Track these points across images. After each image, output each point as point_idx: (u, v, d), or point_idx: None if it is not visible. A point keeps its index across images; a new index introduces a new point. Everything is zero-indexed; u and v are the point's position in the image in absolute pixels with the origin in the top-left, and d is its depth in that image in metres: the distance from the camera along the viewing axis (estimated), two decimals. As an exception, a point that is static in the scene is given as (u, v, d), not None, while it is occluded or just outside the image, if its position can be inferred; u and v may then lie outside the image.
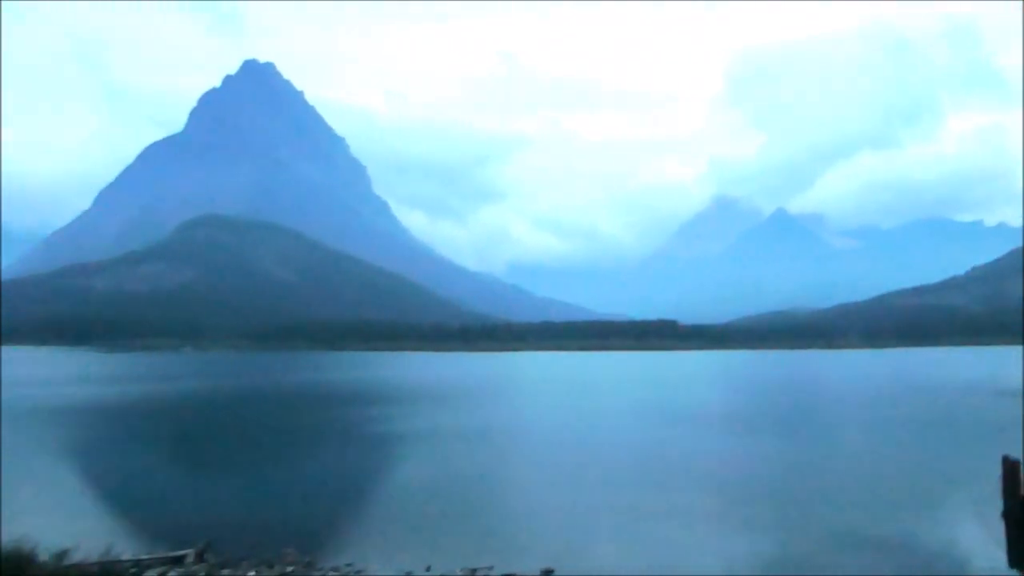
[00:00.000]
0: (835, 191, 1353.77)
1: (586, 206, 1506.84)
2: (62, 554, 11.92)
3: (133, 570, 15.31)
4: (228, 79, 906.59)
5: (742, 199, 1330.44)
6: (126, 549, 17.00)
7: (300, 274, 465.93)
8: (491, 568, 16.57)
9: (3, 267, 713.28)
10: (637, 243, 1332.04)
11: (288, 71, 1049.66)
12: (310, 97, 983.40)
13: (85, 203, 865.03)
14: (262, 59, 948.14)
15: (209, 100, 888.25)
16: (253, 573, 16.08)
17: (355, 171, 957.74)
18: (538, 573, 16.42)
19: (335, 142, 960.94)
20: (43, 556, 11.68)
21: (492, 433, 43.33)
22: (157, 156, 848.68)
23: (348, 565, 16.86)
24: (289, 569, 16.50)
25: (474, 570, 16.43)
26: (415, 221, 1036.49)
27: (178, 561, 16.65)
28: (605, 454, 35.54)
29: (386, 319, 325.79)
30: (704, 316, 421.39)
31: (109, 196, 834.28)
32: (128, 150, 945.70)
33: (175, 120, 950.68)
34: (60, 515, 22.29)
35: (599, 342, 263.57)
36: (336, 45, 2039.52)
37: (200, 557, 17.04)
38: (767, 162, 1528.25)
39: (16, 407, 58.20)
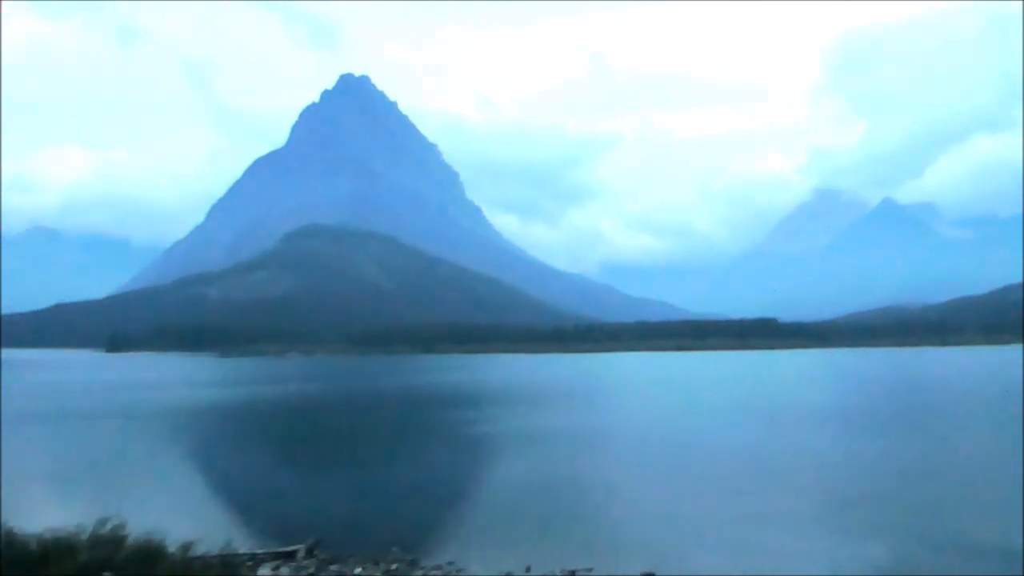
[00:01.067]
0: (947, 178, 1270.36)
1: (679, 204, 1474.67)
2: (187, 546, 12.71)
3: (249, 563, 16.15)
4: (326, 93, 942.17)
5: (845, 190, 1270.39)
6: (243, 543, 17.91)
7: (397, 279, 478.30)
8: (591, 570, 16.52)
9: (128, 279, 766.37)
10: (733, 240, 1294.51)
11: (382, 82, 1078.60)
12: (403, 107, 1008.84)
13: (199, 217, 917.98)
14: (357, 72, 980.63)
15: (309, 114, 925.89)
16: (360, 570, 16.63)
17: (448, 177, 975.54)
18: (638, 576, 16.25)
19: (428, 149, 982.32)
20: (171, 547, 12.50)
21: (589, 434, 43.13)
22: (263, 170, 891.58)
23: (450, 563, 17.18)
24: (394, 566, 16.99)
25: (573, 572, 16.41)
26: (507, 224, 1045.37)
27: (290, 556, 17.43)
28: (706, 455, 34.76)
29: (481, 322, 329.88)
30: (806, 314, 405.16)
31: (220, 210, 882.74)
32: (236, 166, 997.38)
33: (278, 135, 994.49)
34: (183, 509, 23.74)
35: (695, 342, 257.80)
36: (427, 54, 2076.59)
37: (310, 553, 17.79)
38: (871, 150, 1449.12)
39: (141, 409, 62.46)
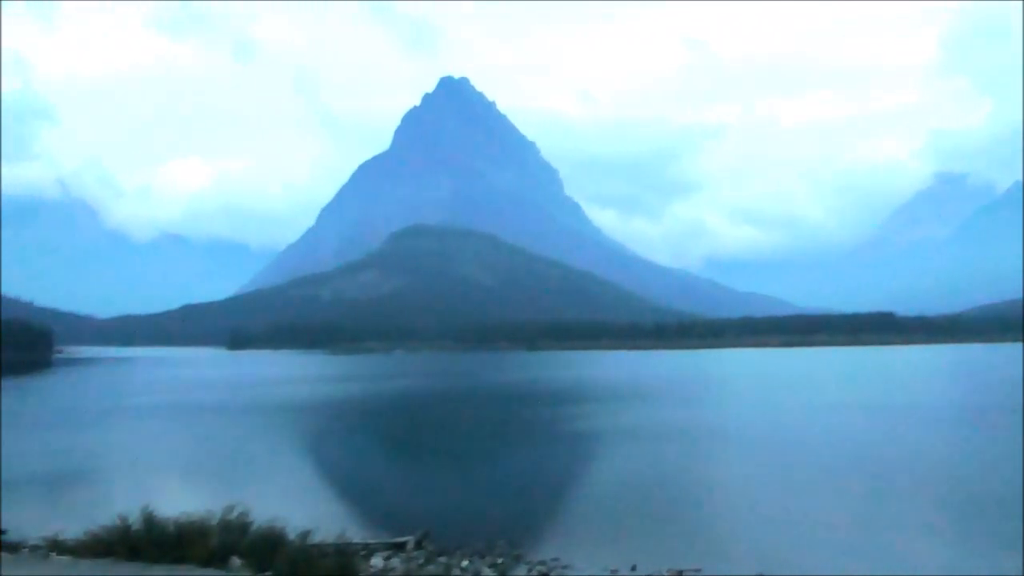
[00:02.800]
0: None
1: (787, 194, 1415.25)
2: (305, 534, 13.38)
3: (363, 552, 16.78)
4: (427, 97, 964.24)
5: (970, 174, 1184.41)
6: (356, 533, 18.62)
7: (498, 277, 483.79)
8: (699, 570, 16.20)
9: (246, 281, 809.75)
10: (845, 230, 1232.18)
11: (480, 83, 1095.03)
12: (502, 107, 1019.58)
13: (310, 221, 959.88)
14: (456, 75, 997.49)
15: (411, 118, 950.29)
16: (466, 563, 16.97)
17: (547, 174, 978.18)
18: (749, 578, 15.81)
19: (527, 148, 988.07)
20: (291, 535, 13.19)
21: (695, 431, 42.25)
22: (368, 174, 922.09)
23: (554, 559, 17.26)
24: (499, 560, 17.24)
25: (681, 571, 16.13)
26: (607, 220, 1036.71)
27: (400, 547, 18.00)
28: (819, 454, 33.35)
29: (582, 318, 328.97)
30: (927, 307, 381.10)
31: (329, 213, 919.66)
32: (343, 171, 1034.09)
33: (382, 139, 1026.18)
34: (300, 499, 24.92)
35: (806, 337, 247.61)
36: (525, 53, 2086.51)
37: (419, 544, 18.30)
38: (998, 131, 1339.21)
39: (260, 404, 66.04)
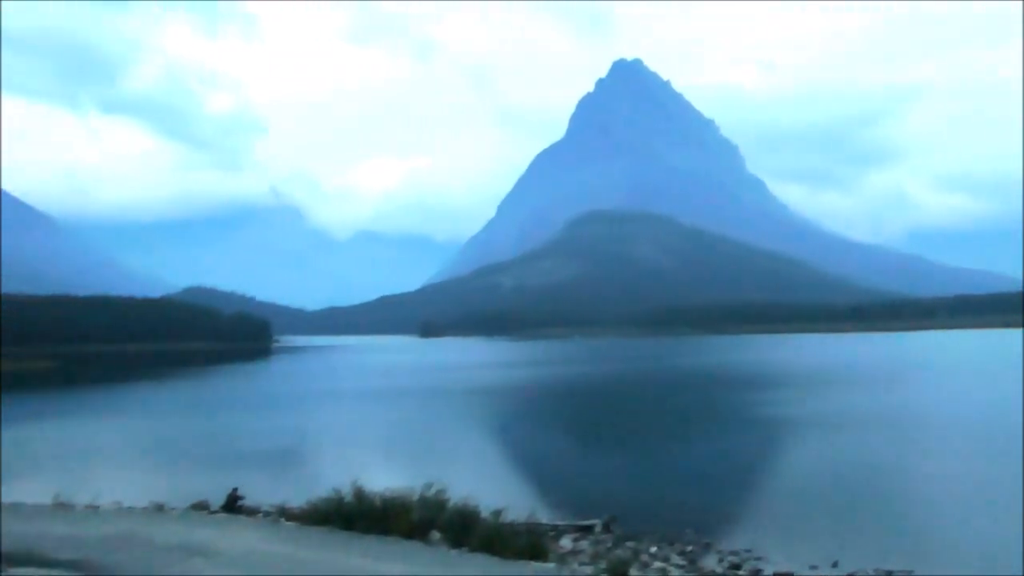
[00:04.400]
0: None
1: (1002, 155, 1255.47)
2: (498, 513, 13.96)
3: (552, 533, 17.24)
4: (600, 82, 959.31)
5: None
6: (544, 514, 19.13)
7: (678, 260, 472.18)
8: (911, 571, 14.95)
9: (434, 272, 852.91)
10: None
11: (654, 63, 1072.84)
12: (677, 85, 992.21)
13: (491, 212, 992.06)
14: (629, 57, 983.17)
15: (585, 104, 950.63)
16: (655, 549, 16.89)
17: (727, 152, 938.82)
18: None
19: (705, 126, 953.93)
20: (484, 513, 13.85)
21: (902, 420, 38.89)
22: (544, 163, 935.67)
23: (747, 551, 16.70)
24: (688, 548, 16.98)
25: (890, 572, 14.98)
26: (794, 195, 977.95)
27: (588, 530, 18.27)
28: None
29: (769, 300, 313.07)
30: None
31: (509, 204, 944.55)
32: (521, 162, 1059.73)
33: (557, 128, 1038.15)
34: (490, 479, 25.99)
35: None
36: (699, 28, 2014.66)
37: (607, 528, 18.47)
38: None
39: (450, 388, 69.53)
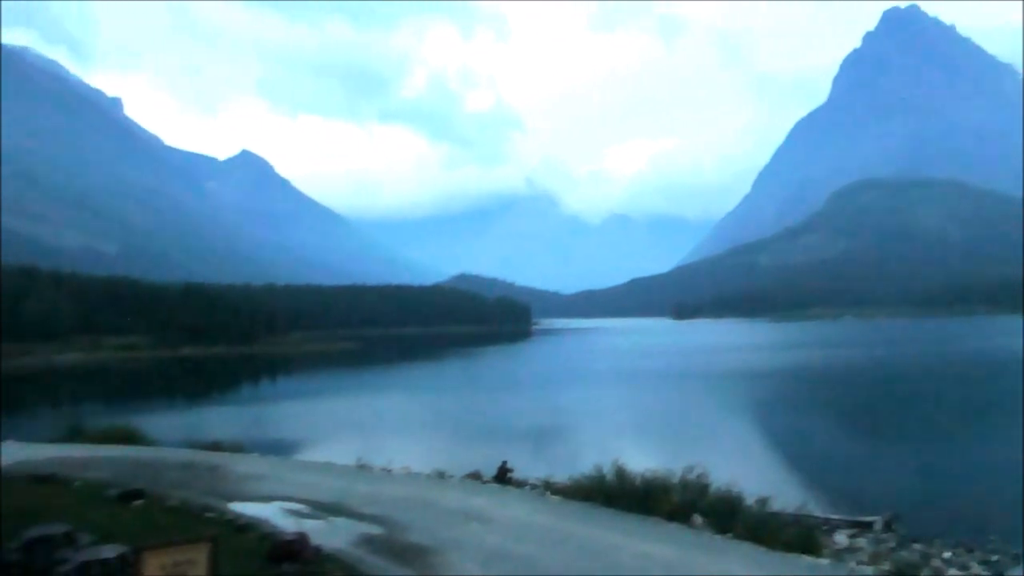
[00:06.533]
0: None
1: None
2: (764, 501, 13.44)
3: (824, 527, 16.17)
4: (868, 36, 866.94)
5: None
6: (815, 506, 17.98)
7: (968, 230, 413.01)
8: None
9: (686, 253, 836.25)
10: None
11: (933, 7, 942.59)
12: (963, 29, 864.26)
13: (746, 188, 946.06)
14: (902, 4, 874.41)
15: (851, 63, 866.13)
16: (949, 554, 15.13)
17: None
18: None
19: (1000, 72, 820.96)
20: (748, 501, 13.40)
21: None
22: (805, 131, 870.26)
23: (1071, 567, 14.30)
24: (994, 558, 14.95)
25: None
26: None
27: (865, 527, 16.85)
28: None
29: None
30: None
31: (766, 178, 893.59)
32: (778, 132, 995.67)
33: (818, 93, 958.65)
34: (750, 465, 24.99)
35: None
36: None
37: (888, 527, 16.91)
38: None
39: (706, 370, 67.86)
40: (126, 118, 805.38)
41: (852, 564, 12.06)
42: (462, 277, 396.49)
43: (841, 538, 15.97)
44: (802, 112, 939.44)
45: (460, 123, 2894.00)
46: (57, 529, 8.00)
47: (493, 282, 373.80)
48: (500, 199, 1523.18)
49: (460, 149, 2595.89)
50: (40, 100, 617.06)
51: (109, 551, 7.37)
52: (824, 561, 11.28)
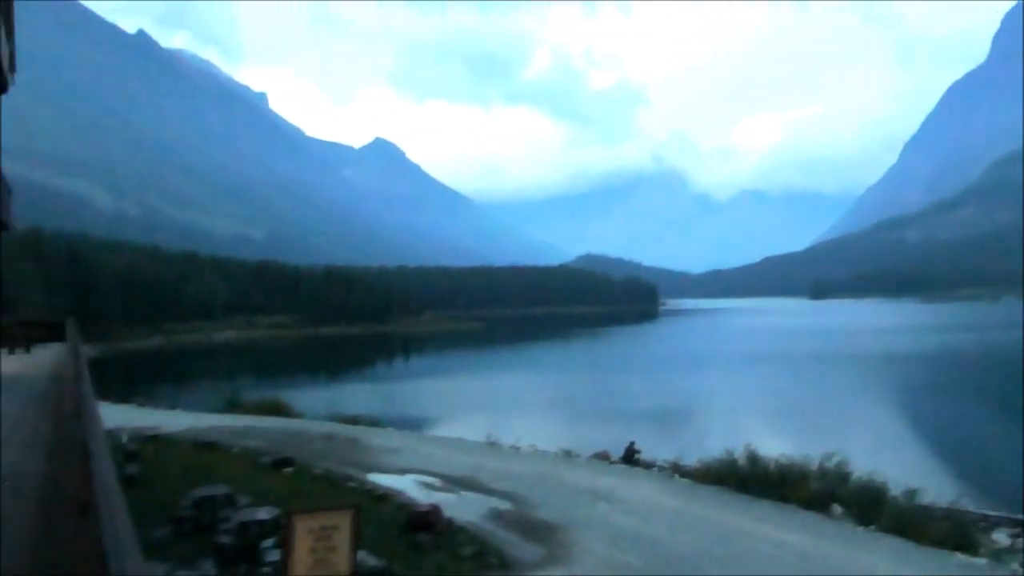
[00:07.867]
0: None
1: None
2: (911, 493, 12.63)
3: (981, 524, 14.99)
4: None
5: None
6: (969, 502, 16.70)
7: None
8: None
9: (824, 229, 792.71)
10: None
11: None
12: None
13: (892, 159, 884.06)
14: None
15: (1013, 18, 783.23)
16: None
17: None
18: None
19: None
20: (893, 492, 12.63)
21: None
22: (959, 96, 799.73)
23: None
24: None
25: None
26: None
27: (1030, 525, 15.49)
28: None
29: None
30: None
31: (914, 148, 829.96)
32: (928, 98, 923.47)
33: (975, 53, 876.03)
34: (895, 454, 23.53)
35: None
36: None
37: (1058, 527, 15.45)
38: None
39: (849, 353, 64.21)
40: (271, 111, 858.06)
41: (1014, 566, 11.13)
42: (588, 257, 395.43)
43: (1002, 536, 14.73)
44: (955, 75, 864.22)
45: (584, 102, 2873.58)
46: (220, 490, 8.90)
47: (619, 262, 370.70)
48: (626, 177, 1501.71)
49: (585, 128, 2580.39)
50: (198, 98, 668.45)
51: (264, 513, 8.03)
52: (981, 560, 10.49)
